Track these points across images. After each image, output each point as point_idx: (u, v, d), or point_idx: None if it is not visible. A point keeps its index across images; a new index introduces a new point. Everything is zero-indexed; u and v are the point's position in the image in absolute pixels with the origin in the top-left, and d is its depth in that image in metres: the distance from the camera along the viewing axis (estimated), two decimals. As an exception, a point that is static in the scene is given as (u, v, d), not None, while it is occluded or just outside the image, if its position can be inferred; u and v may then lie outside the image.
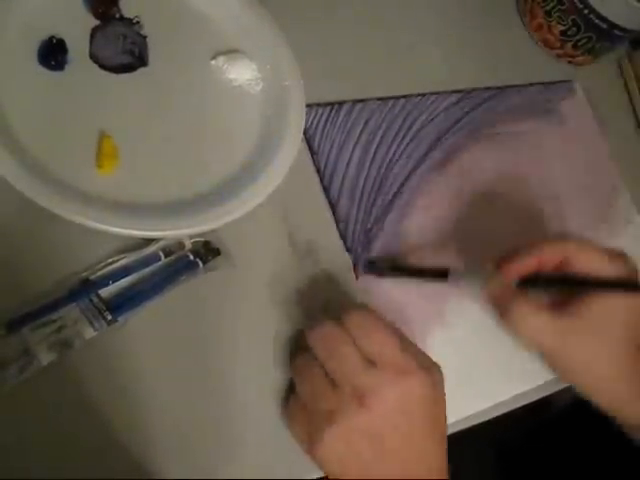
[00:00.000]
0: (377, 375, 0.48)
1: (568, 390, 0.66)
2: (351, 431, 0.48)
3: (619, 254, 0.59)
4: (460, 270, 0.60)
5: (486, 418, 0.62)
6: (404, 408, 0.49)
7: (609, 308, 0.57)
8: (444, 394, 0.52)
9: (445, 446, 0.51)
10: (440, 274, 0.60)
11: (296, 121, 0.62)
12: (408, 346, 0.51)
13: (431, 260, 0.64)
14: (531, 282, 0.58)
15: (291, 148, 0.60)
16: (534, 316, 0.57)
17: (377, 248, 0.63)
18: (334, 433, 0.48)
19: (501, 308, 0.58)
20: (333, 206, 0.64)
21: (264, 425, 0.55)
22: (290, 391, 0.54)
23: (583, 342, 0.57)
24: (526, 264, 0.59)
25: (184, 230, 0.55)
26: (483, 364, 0.63)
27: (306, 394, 0.51)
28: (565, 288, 0.59)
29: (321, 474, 0.54)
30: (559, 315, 0.57)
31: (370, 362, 0.49)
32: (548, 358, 0.60)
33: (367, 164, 0.66)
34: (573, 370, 0.59)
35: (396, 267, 0.63)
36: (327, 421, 0.48)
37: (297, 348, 0.56)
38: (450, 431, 0.55)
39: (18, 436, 0.48)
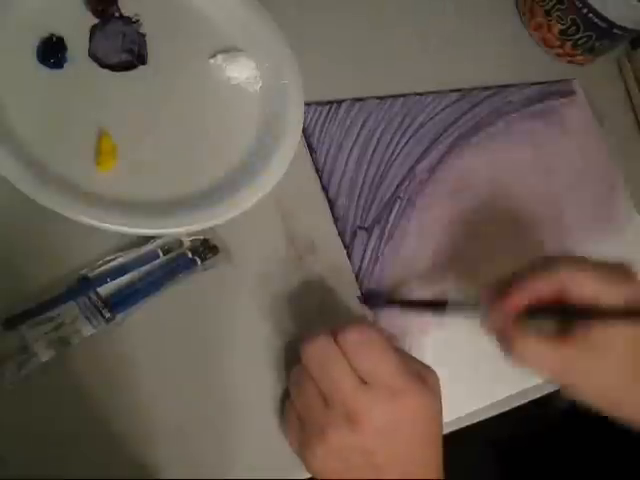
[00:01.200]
0: (369, 396, 0.48)
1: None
2: (342, 448, 0.48)
3: (617, 270, 0.55)
4: (458, 301, 0.59)
5: (482, 417, 0.62)
6: (394, 428, 0.48)
7: (612, 336, 0.54)
8: (439, 408, 0.51)
9: (440, 460, 0.51)
10: (437, 305, 0.58)
11: (295, 119, 0.62)
12: (403, 361, 0.50)
13: (428, 271, 0.65)
14: (530, 314, 0.55)
15: (290, 146, 0.61)
16: (537, 347, 0.54)
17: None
18: (325, 448, 0.48)
19: (503, 341, 0.55)
20: (332, 204, 0.64)
21: (263, 424, 0.55)
22: (287, 396, 0.54)
23: (587, 369, 0.55)
24: (521, 298, 0.55)
25: (182, 228, 0.55)
26: (480, 363, 0.63)
27: (300, 405, 0.51)
28: (565, 318, 0.55)
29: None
30: (562, 344, 0.54)
31: (363, 382, 0.48)
32: (561, 386, 0.58)
33: (366, 162, 0.66)
34: (580, 393, 0.57)
35: (393, 300, 0.63)
36: (319, 436, 0.48)
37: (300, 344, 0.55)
38: (446, 430, 0.55)
39: (16, 434, 0.48)
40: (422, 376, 0.51)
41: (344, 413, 0.48)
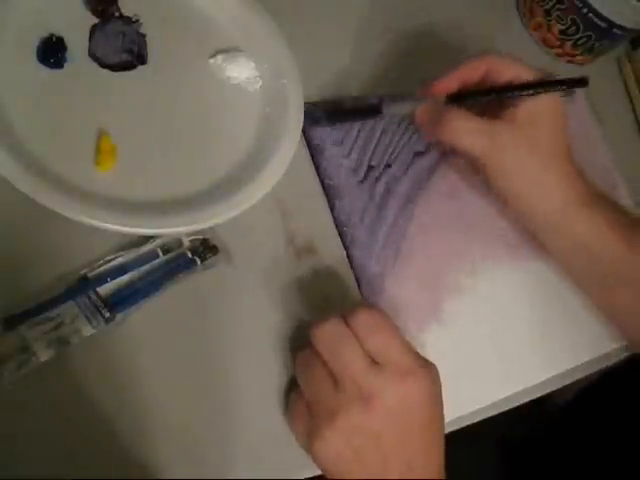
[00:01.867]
0: (381, 376, 0.48)
1: (567, 387, 0.66)
2: (352, 430, 0.48)
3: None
4: (392, 101, 0.62)
5: (483, 417, 0.62)
6: (405, 409, 0.49)
7: (534, 111, 0.60)
8: (441, 393, 0.52)
9: (443, 445, 0.51)
10: (374, 109, 0.62)
11: (294, 119, 0.62)
12: (408, 346, 0.51)
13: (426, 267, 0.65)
14: (458, 98, 0.61)
15: (289, 146, 0.61)
16: (464, 121, 0.60)
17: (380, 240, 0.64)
18: (335, 431, 0.48)
19: (434, 124, 0.61)
20: (331, 204, 0.64)
21: (265, 424, 0.55)
22: (292, 385, 0.54)
23: (513, 143, 0.60)
24: (451, 81, 0.62)
25: (182, 228, 0.55)
26: (479, 361, 0.63)
27: (308, 390, 0.51)
28: (491, 99, 0.62)
29: (319, 472, 0.54)
30: (488, 120, 0.60)
31: (374, 362, 0.49)
32: (482, 164, 0.61)
33: (366, 161, 0.66)
34: (506, 172, 0.61)
35: (333, 110, 0.65)
36: (328, 419, 0.48)
37: (301, 343, 0.55)
38: (447, 430, 0.55)
39: (16, 433, 0.48)
40: (426, 363, 0.51)
41: (356, 393, 0.48)
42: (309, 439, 0.50)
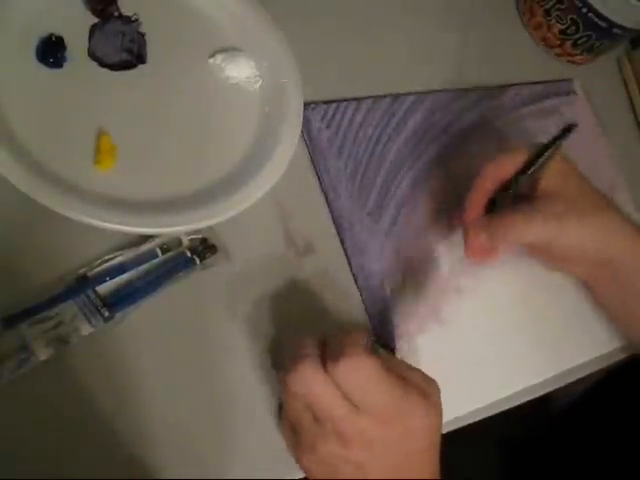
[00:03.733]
0: (361, 421, 0.47)
1: (570, 387, 0.66)
2: (332, 460, 0.48)
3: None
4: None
5: (482, 416, 0.62)
6: (388, 447, 0.48)
7: (554, 179, 0.61)
8: (439, 422, 0.51)
9: (436, 462, 0.51)
10: None
11: (294, 119, 0.62)
12: (400, 384, 0.48)
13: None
14: (491, 205, 0.61)
15: (289, 146, 0.61)
16: (525, 219, 0.59)
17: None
18: (315, 460, 0.49)
19: (493, 242, 0.59)
20: (330, 204, 0.64)
21: (263, 424, 0.55)
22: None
23: (567, 214, 0.59)
24: (475, 206, 0.61)
25: (181, 227, 0.55)
26: (479, 361, 0.63)
27: (290, 413, 0.51)
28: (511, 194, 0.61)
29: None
30: (538, 204, 0.60)
31: (353, 407, 0.47)
32: (550, 246, 0.61)
33: (365, 162, 0.66)
34: (578, 254, 0.62)
35: None
36: (308, 448, 0.49)
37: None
38: (445, 430, 0.55)
39: (15, 432, 0.48)
40: (423, 389, 0.50)
41: (335, 433, 0.47)
42: (297, 457, 0.51)
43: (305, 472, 0.51)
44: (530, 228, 0.58)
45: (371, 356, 0.47)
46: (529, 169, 0.60)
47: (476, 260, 0.61)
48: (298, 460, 0.51)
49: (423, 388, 0.50)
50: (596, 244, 0.60)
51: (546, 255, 0.65)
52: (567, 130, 0.61)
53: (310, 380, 0.47)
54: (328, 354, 0.48)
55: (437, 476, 0.51)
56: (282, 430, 0.54)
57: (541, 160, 0.59)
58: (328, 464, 0.48)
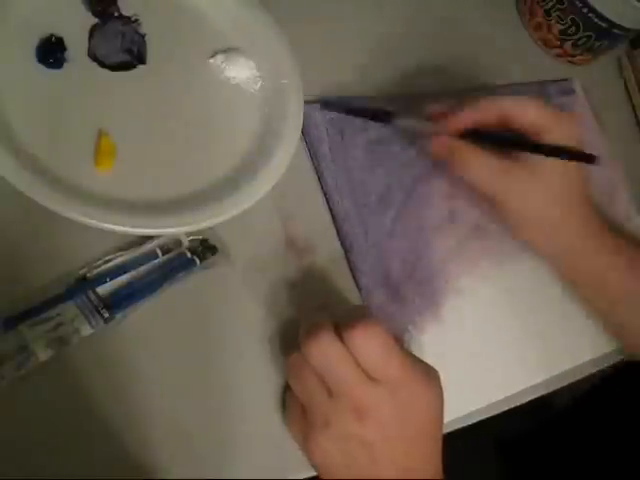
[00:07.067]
0: (377, 392, 0.48)
1: (568, 389, 0.66)
2: (346, 438, 0.48)
3: (562, 114, 0.60)
4: (406, 113, 0.62)
5: (481, 417, 0.62)
6: (400, 422, 0.48)
7: (548, 167, 0.58)
8: (441, 402, 0.51)
9: (441, 450, 0.51)
10: (385, 116, 0.62)
11: (294, 119, 0.62)
12: (409, 355, 0.50)
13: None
14: (473, 135, 0.60)
15: (289, 146, 0.61)
16: (482, 160, 0.59)
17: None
18: (329, 437, 0.48)
19: (447, 157, 0.60)
20: (331, 204, 0.64)
21: (264, 424, 0.55)
22: (287, 387, 0.54)
23: (533, 191, 0.59)
24: (466, 118, 0.60)
25: (181, 228, 0.55)
26: (479, 362, 0.63)
27: (302, 395, 0.51)
28: (504, 148, 0.60)
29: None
30: (506, 162, 0.58)
31: (369, 377, 0.48)
32: (496, 201, 0.60)
33: (366, 162, 0.66)
34: (521, 217, 0.60)
35: (348, 109, 0.65)
36: (322, 426, 0.48)
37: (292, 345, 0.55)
38: (445, 430, 0.55)
39: (15, 433, 0.48)
40: (426, 371, 0.51)
41: (349, 405, 0.47)
42: (304, 441, 0.50)
43: (312, 459, 0.50)
44: (477, 173, 0.59)
45: (379, 323, 0.48)
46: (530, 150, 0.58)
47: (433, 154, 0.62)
48: (306, 446, 0.50)
49: (426, 371, 0.51)
50: (538, 212, 0.59)
51: (499, 217, 0.64)
52: (589, 158, 0.58)
53: (327, 347, 0.48)
54: (342, 325, 0.49)
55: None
56: (288, 417, 0.53)
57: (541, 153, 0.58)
58: (339, 444, 0.48)
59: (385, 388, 0.48)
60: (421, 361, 0.52)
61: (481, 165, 0.59)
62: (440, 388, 0.51)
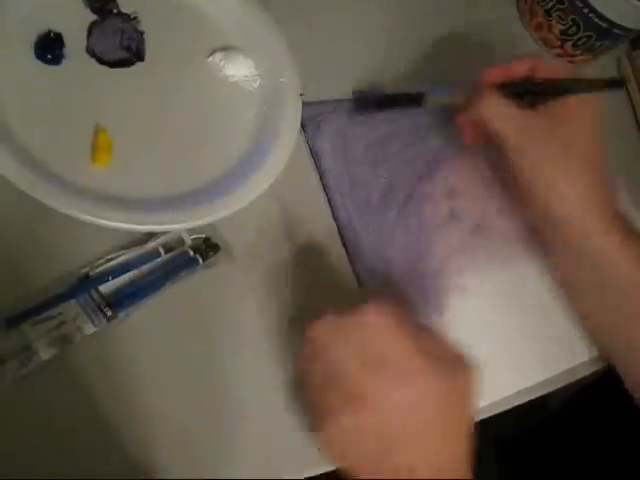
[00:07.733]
0: (377, 378, 0.47)
1: (568, 388, 0.66)
2: (355, 427, 0.47)
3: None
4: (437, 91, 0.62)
5: (480, 417, 0.62)
6: (409, 409, 0.47)
7: (574, 108, 0.60)
8: (463, 392, 0.50)
9: (462, 447, 0.50)
10: (418, 98, 0.62)
11: (293, 117, 0.62)
12: (421, 343, 0.48)
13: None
14: (502, 88, 0.61)
15: (287, 144, 0.61)
16: (502, 104, 0.60)
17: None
18: (339, 426, 0.47)
19: (473, 106, 0.61)
20: (331, 201, 0.63)
21: (264, 424, 0.55)
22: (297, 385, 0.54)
23: (546, 136, 0.59)
24: (499, 72, 0.62)
25: (181, 224, 0.55)
26: (482, 361, 0.62)
27: (308, 390, 0.50)
28: (533, 96, 0.62)
29: (319, 472, 0.54)
30: (527, 112, 0.60)
31: (372, 363, 0.47)
32: (509, 149, 0.60)
33: (364, 160, 0.66)
34: (532, 162, 0.60)
35: (382, 97, 0.64)
36: (333, 413, 0.47)
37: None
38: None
39: (17, 432, 0.48)
40: (442, 358, 0.49)
41: (352, 393, 0.46)
42: (316, 427, 0.48)
43: (322, 446, 0.49)
44: (496, 114, 0.60)
45: (392, 306, 0.48)
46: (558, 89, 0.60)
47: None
48: (317, 432, 0.48)
49: (444, 357, 0.49)
50: (555, 154, 0.59)
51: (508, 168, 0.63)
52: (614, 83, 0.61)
53: (326, 330, 0.48)
54: (355, 310, 0.48)
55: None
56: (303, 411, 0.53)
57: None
58: (349, 434, 0.47)
59: (387, 375, 0.47)
60: (446, 347, 0.50)
61: (500, 107, 0.60)
62: (463, 379, 0.50)
